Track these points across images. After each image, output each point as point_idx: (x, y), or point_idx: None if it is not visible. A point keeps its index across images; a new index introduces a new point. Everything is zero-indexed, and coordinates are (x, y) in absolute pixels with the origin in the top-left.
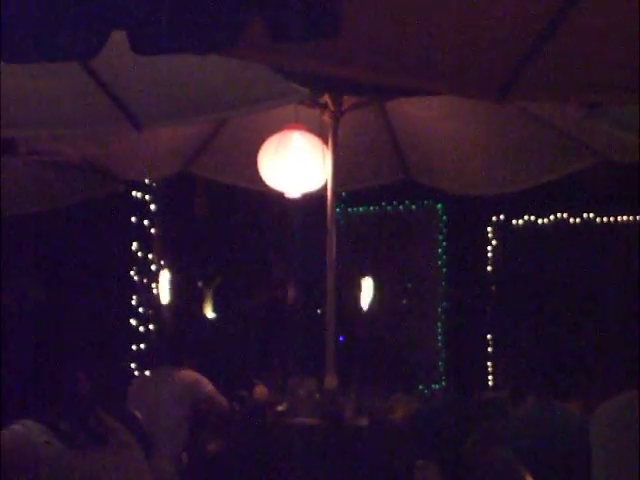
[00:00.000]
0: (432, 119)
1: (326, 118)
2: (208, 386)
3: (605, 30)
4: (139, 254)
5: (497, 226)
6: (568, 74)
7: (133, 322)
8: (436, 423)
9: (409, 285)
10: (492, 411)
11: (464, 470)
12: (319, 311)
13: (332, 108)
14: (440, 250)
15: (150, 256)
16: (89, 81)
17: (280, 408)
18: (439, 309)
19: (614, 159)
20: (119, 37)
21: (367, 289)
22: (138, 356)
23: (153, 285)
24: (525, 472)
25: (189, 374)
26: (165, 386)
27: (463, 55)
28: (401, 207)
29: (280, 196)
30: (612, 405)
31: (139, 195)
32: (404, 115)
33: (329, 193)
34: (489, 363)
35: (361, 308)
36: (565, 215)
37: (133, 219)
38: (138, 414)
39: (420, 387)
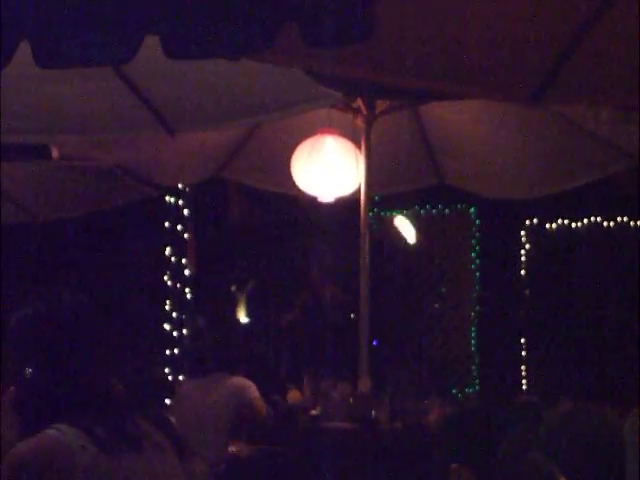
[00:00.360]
0: (465, 123)
1: (359, 122)
2: (253, 392)
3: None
4: (172, 259)
5: (530, 230)
6: (603, 77)
7: (167, 327)
8: (470, 427)
9: (443, 290)
10: (526, 415)
11: (498, 474)
12: (353, 315)
13: (365, 112)
14: (473, 254)
15: (184, 261)
16: (122, 86)
17: (314, 412)
18: (472, 313)
19: None
20: (152, 42)
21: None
22: (172, 361)
23: (187, 290)
24: (560, 475)
25: (238, 380)
26: (214, 392)
27: (496, 58)
28: (434, 211)
29: (313, 200)
30: None
31: (172, 200)
32: (437, 119)
33: (362, 197)
34: (522, 367)
35: (395, 312)
36: (599, 219)
37: (167, 224)
38: (172, 419)
39: (454, 391)
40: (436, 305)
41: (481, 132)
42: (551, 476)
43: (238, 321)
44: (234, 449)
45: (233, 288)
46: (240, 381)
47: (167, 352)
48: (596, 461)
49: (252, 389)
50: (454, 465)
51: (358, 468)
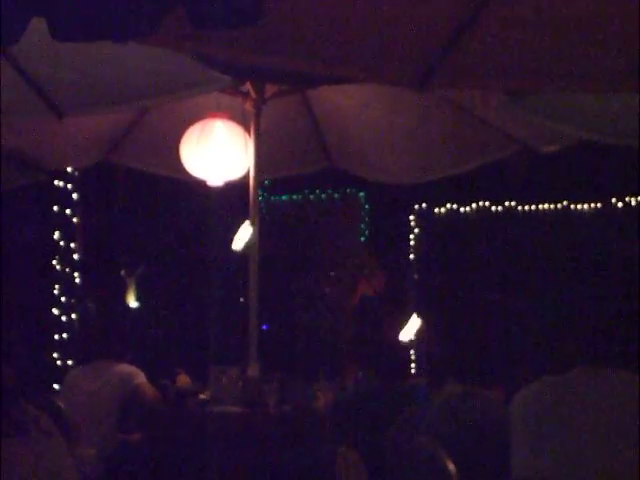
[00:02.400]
0: (355, 107)
1: (248, 106)
2: (140, 378)
3: (525, 19)
4: (61, 243)
5: (419, 214)
6: (489, 62)
7: (55, 311)
8: (358, 410)
9: (332, 273)
10: (413, 398)
11: (386, 457)
12: (242, 300)
13: (254, 96)
14: (362, 238)
15: (72, 245)
16: (9, 69)
17: (203, 396)
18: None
19: (534, 147)
20: (39, 24)
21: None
22: (61, 346)
23: (76, 274)
24: (446, 458)
25: (124, 367)
26: (101, 379)
27: (384, 43)
28: (323, 195)
29: (202, 185)
30: (530, 391)
31: (61, 184)
32: (327, 103)
33: (251, 181)
34: (411, 351)
35: (286, 296)
36: (487, 203)
37: (55, 208)
38: (61, 403)
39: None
40: (326, 289)
41: (371, 117)
42: (437, 459)
43: (128, 306)
44: (123, 435)
45: (122, 272)
46: (126, 368)
47: (56, 337)
48: (481, 443)
49: (139, 375)
50: (342, 448)
51: (247, 452)
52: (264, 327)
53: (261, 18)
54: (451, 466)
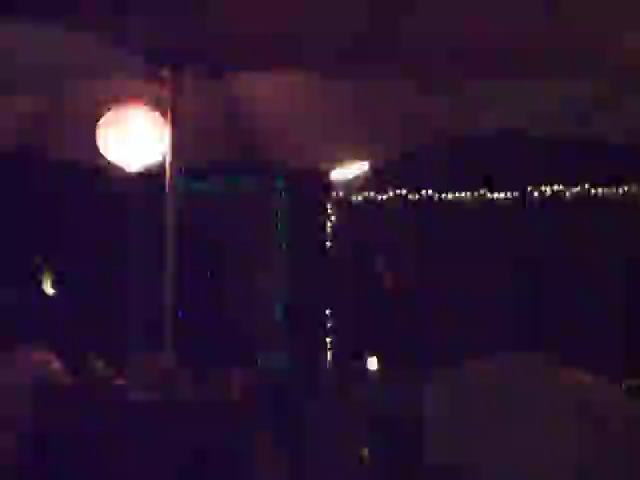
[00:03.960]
0: (273, 93)
1: (166, 92)
2: (54, 365)
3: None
4: None
5: (337, 201)
6: (404, 50)
7: None
8: (275, 396)
9: (249, 260)
10: (332, 383)
11: (301, 443)
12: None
13: (172, 82)
14: (280, 225)
15: None
16: None
17: (117, 383)
18: (279, 284)
19: (452, 135)
20: None
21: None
22: None
23: None
24: (360, 442)
25: (37, 354)
26: (15, 366)
27: (298, 28)
28: (241, 182)
29: (120, 171)
30: (445, 377)
31: None
32: (245, 89)
33: (168, 168)
34: (328, 338)
35: (202, 283)
36: (404, 191)
37: None
38: None
39: (259, 362)
40: (243, 276)
41: (289, 102)
42: (353, 441)
43: (43, 293)
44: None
45: (37, 260)
46: (39, 355)
47: None
48: (397, 425)
49: (52, 363)
50: (259, 434)
51: (162, 439)
52: (180, 314)
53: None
54: (364, 450)
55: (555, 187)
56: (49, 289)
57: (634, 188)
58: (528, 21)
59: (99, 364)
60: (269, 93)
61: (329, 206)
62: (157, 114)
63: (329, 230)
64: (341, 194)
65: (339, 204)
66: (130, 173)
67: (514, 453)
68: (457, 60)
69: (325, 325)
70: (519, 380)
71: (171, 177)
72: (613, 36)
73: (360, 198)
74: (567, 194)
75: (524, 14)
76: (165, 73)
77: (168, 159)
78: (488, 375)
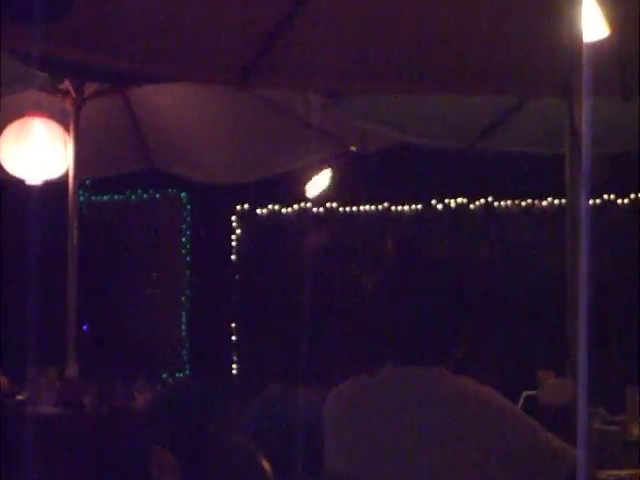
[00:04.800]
0: (176, 107)
1: (67, 105)
2: None
3: (343, 20)
4: None
5: (241, 215)
6: (308, 62)
7: None
8: (175, 410)
9: (153, 274)
10: (232, 398)
11: (201, 456)
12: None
13: (73, 95)
14: (184, 239)
15: None
16: None
17: (19, 397)
18: (183, 298)
19: (356, 148)
20: None
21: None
22: None
23: None
24: (261, 457)
25: None
26: None
27: (201, 41)
28: (145, 196)
29: (21, 184)
30: (341, 390)
31: None
32: (147, 102)
33: (70, 181)
34: (233, 352)
35: (107, 296)
36: (308, 205)
37: None
38: None
39: (164, 375)
40: (147, 290)
41: (191, 117)
42: (253, 458)
43: None
44: None
45: None
46: None
47: None
48: (298, 443)
49: None
50: (156, 448)
51: (63, 453)
52: (84, 327)
53: (70, 12)
54: (266, 465)
55: (459, 200)
56: None
57: (536, 202)
58: (425, 36)
59: (1, 379)
60: (172, 106)
61: (234, 219)
62: (59, 127)
63: (234, 244)
64: (246, 207)
65: (244, 218)
66: (31, 185)
67: (402, 465)
68: (354, 75)
69: (229, 339)
70: (407, 391)
71: (74, 190)
72: (513, 52)
73: (265, 211)
74: (471, 206)
75: (420, 28)
76: (67, 86)
77: (71, 172)
78: (376, 387)
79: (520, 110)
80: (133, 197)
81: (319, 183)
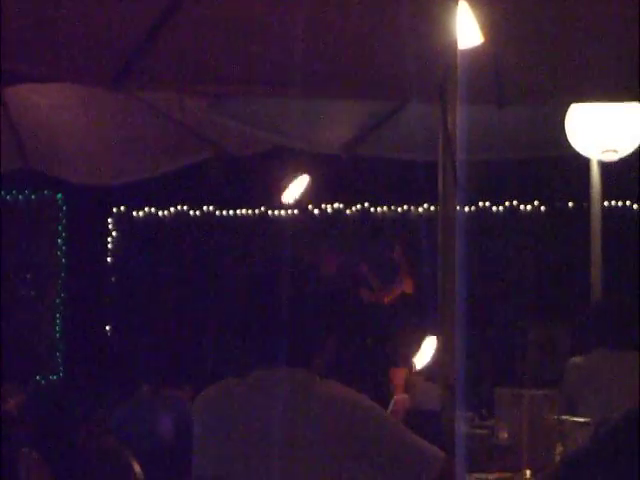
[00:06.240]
0: (51, 107)
1: None
2: None
3: (221, 21)
4: None
5: (117, 217)
6: (184, 64)
7: None
8: (45, 412)
9: (28, 276)
10: (103, 400)
11: (72, 459)
12: None
13: None
14: (60, 241)
15: None
16: None
17: None
18: (58, 300)
19: (231, 151)
20: None
21: None
22: None
23: None
24: (132, 459)
25: None
26: None
27: (75, 41)
28: (20, 196)
29: None
30: (210, 392)
31: None
32: (23, 102)
33: None
34: (107, 354)
35: None
36: (185, 207)
37: None
38: None
39: (37, 377)
40: (21, 291)
41: (67, 117)
42: (123, 460)
43: None
44: None
45: None
46: None
47: None
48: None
49: None
50: (24, 449)
51: None
52: None
53: None
54: (136, 467)
55: (335, 205)
56: None
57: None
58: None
59: None
60: (48, 106)
61: (110, 221)
62: None
63: (110, 246)
64: (122, 209)
65: (120, 220)
66: None
67: (269, 467)
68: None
69: (104, 341)
70: (274, 393)
71: None
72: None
73: (142, 214)
74: (347, 212)
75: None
76: None
77: None
78: (245, 389)
79: (395, 116)
80: (8, 197)
81: (297, 189)
